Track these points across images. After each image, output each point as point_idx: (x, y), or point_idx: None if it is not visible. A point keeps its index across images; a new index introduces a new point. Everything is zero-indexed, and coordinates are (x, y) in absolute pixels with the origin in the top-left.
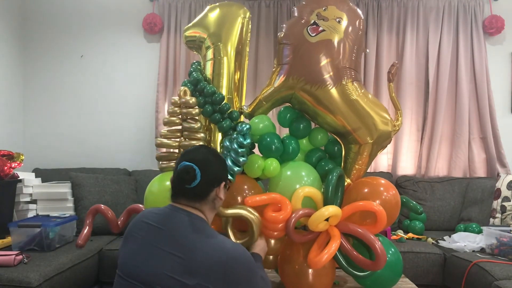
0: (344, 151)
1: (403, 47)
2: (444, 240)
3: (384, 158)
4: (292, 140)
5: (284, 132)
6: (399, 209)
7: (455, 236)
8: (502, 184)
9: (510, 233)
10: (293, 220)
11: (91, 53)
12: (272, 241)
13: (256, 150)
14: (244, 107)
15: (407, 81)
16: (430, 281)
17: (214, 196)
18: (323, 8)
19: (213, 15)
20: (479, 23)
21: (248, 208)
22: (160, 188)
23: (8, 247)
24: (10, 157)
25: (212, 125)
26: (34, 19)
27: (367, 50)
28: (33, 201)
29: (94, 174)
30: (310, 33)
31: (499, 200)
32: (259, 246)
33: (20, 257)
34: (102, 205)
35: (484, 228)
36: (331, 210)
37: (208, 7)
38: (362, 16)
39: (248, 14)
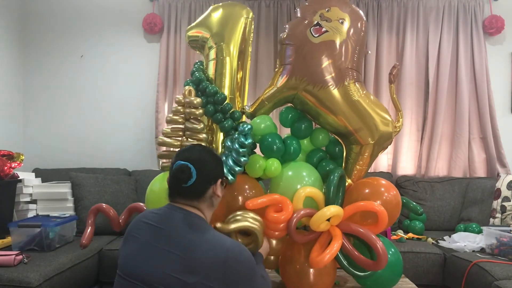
0: (345, 151)
1: (403, 47)
2: (444, 240)
3: (384, 158)
4: (294, 141)
5: (286, 132)
6: (399, 209)
7: (455, 236)
8: (502, 184)
9: (510, 233)
10: (294, 220)
11: (91, 53)
12: (274, 242)
13: (257, 150)
14: (246, 107)
15: (407, 81)
16: (430, 281)
17: (211, 194)
18: (326, 9)
19: (216, 15)
20: (479, 23)
21: (250, 217)
22: (161, 187)
23: (8, 247)
24: (10, 157)
25: (214, 125)
26: (34, 19)
27: (369, 52)
28: (33, 201)
29: (94, 174)
30: (313, 33)
31: (499, 200)
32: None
33: (20, 257)
34: (104, 204)
35: (484, 228)
36: (333, 210)
37: (211, 7)
38: (364, 17)
39: (251, 14)
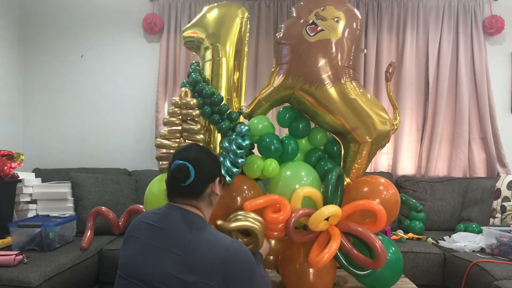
0: (343, 150)
1: (403, 47)
2: (444, 240)
3: (384, 158)
4: (291, 141)
5: (283, 132)
6: (398, 207)
7: (455, 236)
8: (502, 184)
9: (510, 233)
10: (293, 220)
11: (91, 53)
12: (273, 242)
13: (255, 151)
14: (243, 107)
15: (407, 81)
16: (430, 281)
17: (210, 192)
18: (322, 8)
19: (211, 16)
20: (479, 23)
21: (250, 216)
22: (160, 188)
23: (8, 247)
24: (10, 157)
25: (211, 126)
26: (34, 19)
27: (365, 50)
28: (33, 201)
29: (94, 174)
30: (309, 32)
31: (499, 200)
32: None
33: (20, 257)
34: (103, 207)
35: (484, 228)
36: (331, 209)
37: (206, 8)
38: (359, 16)
39: (246, 14)
